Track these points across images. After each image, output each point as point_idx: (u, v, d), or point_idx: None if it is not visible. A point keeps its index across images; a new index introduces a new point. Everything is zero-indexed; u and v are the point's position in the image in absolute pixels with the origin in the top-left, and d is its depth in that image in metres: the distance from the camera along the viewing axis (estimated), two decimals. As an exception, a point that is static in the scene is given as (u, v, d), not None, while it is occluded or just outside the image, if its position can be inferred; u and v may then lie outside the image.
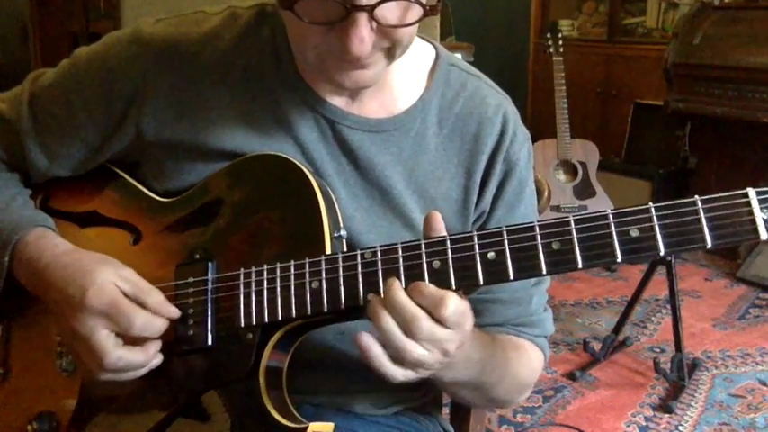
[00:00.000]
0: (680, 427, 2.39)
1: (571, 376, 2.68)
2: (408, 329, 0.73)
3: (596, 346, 2.81)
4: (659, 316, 3.20)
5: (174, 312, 0.84)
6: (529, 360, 0.99)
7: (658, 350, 2.90)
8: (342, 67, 0.82)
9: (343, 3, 0.74)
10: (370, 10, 0.75)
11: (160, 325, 0.83)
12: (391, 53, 0.83)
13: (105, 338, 0.81)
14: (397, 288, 0.75)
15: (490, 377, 0.91)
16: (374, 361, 0.75)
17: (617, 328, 2.79)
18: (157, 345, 0.84)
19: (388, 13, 0.76)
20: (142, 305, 0.83)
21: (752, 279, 3.56)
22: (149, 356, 0.83)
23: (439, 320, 0.74)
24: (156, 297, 0.84)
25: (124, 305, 0.81)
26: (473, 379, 0.89)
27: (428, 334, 0.73)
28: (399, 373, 0.76)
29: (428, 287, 0.74)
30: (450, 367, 0.81)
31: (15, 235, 0.90)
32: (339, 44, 0.77)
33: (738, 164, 3.80)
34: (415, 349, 0.74)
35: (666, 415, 2.44)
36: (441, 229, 0.78)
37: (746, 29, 3.57)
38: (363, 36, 0.76)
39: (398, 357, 0.75)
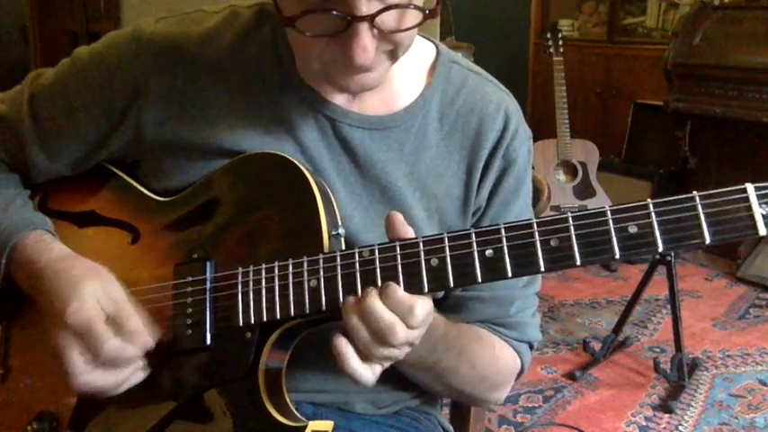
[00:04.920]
0: (680, 427, 2.39)
1: (571, 376, 2.68)
2: (385, 338, 0.75)
3: (596, 346, 2.81)
4: (659, 316, 3.20)
5: (149, 343, 0.83)
6: (493, 356, 0.97)
7: (658, 350, 2.90)
8: (346, 73, 0.82)
9: (343, 15, 0.74)
10: (371, 19, 0.74)
11: (131, 353, 0.82)
12: (394, 54, 0.83)
13: (76, 360, 0.81)
14: (374, 297, 0.75)
15: (442, 360, 0.91)
16: (344, 360, 0.77)
17: (617, 328, 2.79)
18: (133, 367, 0.83)
19: (388, 19, 0.76)
20: (119, 329, 0.81)
21: (752, 279, 3.55)
22: (120, 381, 0.82)
23: (410, 326, 0.75)
24: (133, 324, 0.82)
25: (97, 329, 0.80)
26: (422, 358, 0.89)
27: (404, 339, 0.75)
28: (364, 374, 0.77)
29: (397, 294, 0.75)
30: None
31: (14, 237, 0.90)
32: (342, 54, 0.78)
33: (738, 164, 3.79)
34: (378, 350, 0.76)
35: (666, 415, 2.44)
36: (406, 231, 0.78)
37: (746, 29, 3.57)
38: (366, 45, 0.76)
39: (366, 355, 0.77)
